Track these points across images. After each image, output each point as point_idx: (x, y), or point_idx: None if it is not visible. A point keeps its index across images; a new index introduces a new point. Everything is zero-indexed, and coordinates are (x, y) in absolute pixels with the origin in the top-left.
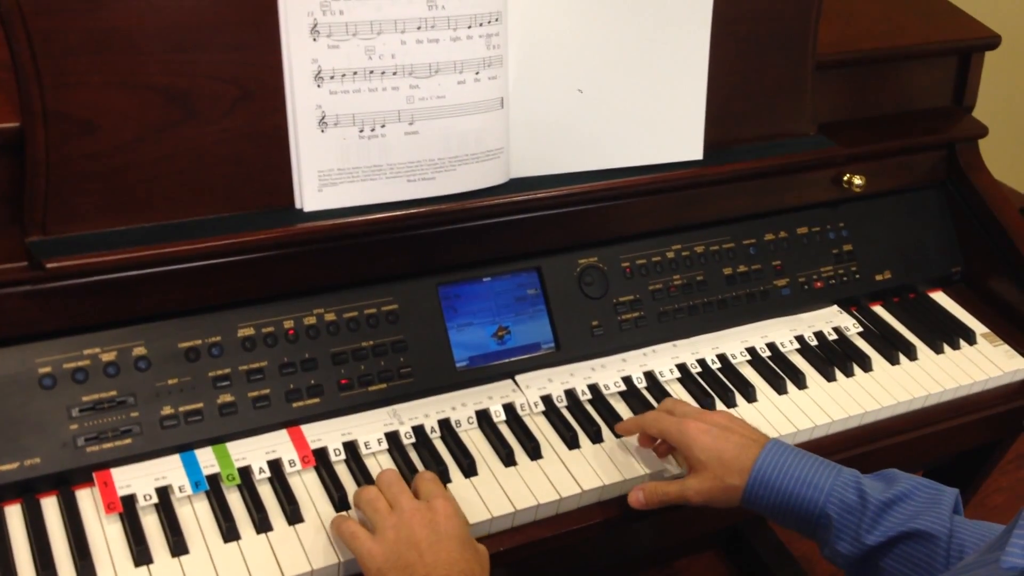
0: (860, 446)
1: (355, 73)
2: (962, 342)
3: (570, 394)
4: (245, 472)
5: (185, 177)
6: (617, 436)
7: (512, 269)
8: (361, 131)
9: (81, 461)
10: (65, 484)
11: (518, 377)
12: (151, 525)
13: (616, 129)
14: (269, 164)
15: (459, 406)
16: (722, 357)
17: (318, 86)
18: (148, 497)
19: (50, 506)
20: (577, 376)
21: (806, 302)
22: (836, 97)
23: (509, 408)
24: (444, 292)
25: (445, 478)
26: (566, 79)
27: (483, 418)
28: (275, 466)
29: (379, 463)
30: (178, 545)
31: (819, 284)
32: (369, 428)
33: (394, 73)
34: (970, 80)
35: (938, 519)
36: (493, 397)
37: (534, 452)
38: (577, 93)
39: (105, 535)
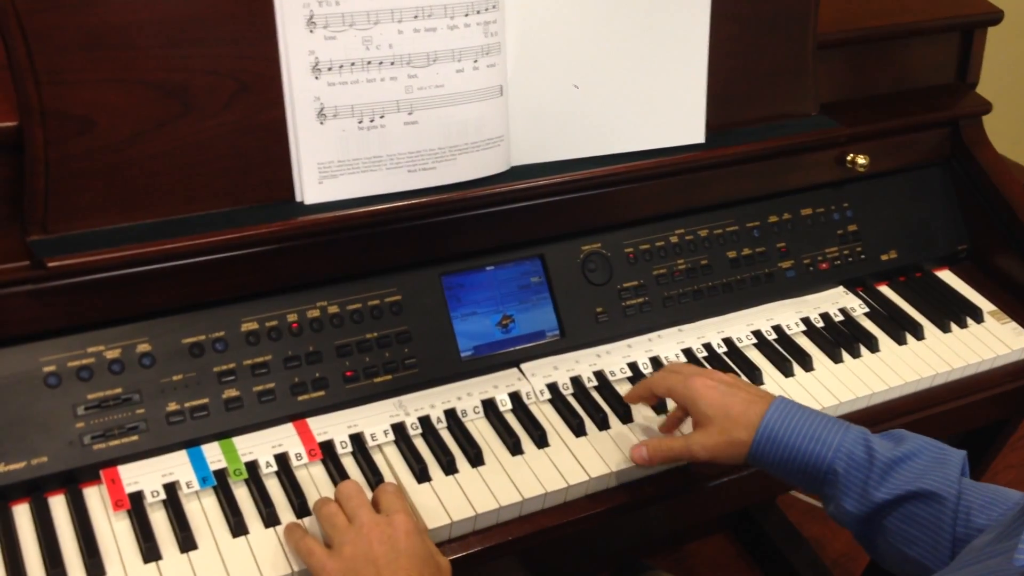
0: (868, 427)
1: (353, 64)
2: (969, 320)
3: (576, 381)
4: (252, 466)
5: (184, 172)
6: (623, 415)
7: (515, 257)
8: (360, 122)
9: (88, 459)
10: (72, 482)
11: (523, 365)
12: (159, 521)
13: (617, 114)
14: (269, 157)
15: (465, 396)
16: (728, 341)
17: (316, 78)
18: (156, 493)
19: (58, 504)
20: (583, 363)
21: (811, 284)
22: (838, 76)
23: (515, 397)
24: (447, 282)
25: (452, 468)
26: (566, 65)
27: (489, 407)
28: (282, 460)
29: (386, 455)
30: (187, 541)
31: (824, 265)
32: (375, 420)
33: (392, 63)
34: (973, 56)
35: (946, 480)
36: (499, 386)
37: (541, 440)
38: (577, 79)
39: (114, 532)
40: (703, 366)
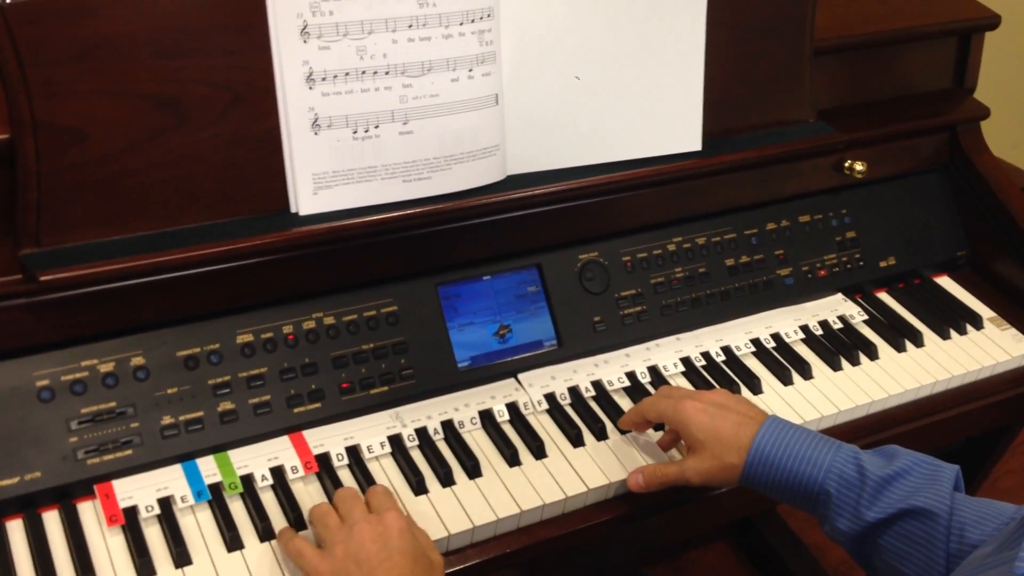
0: (868, 435)
1: (347, 74)
2: (969, 327)
3: (574, 391)
4: (247, 480)
5: (178, 184)
6: (621, 432)
7: (512, 267)
8: (355, 132)
9: (82, 474)
10: (66, 497)
11: (521, 376)
12: (154, 536)
13: (613, 122)
14: (263, 168)
15: (462, 407)
16: (726, 349)
17: (310, 88)
18: (150, 508)
19: (52, 520)
20: (580, 373)
21: (810, 291)
22: (835, 82)
23: (512, 407)
24: (444, 292)
25: (449, 480)
26: (561, 74)
27: (486, 418)
28: (277, 473)
29: (382, 467)
30: (181, 556)
31: (823, 272)
32: (371, 432)
33: (386, 73)
34: (970, 61)
35: (938, 497)
36: (496, 397)
37: (538, 451)
38: (572, 87)
39: (108, 548)
40: (702, 375)
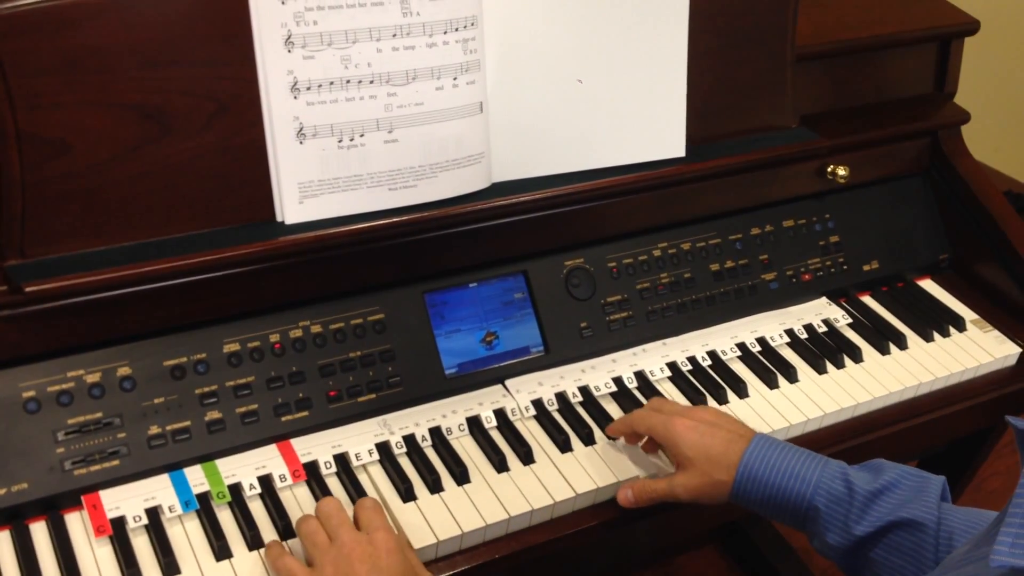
0: (853, 438)
1: (331, 83)
2: (952, 329)
3: (561, 397)
4: (235, 489)
5: (164, 194)
6: (609, 438)
7: (498, 274)
8: (340, 141)
9: (69, 485)
10: (54, 508)
11: (508, 382)
12: (142, 547)
13: (598, 129)
14: (248, 178)
15: (449, 413)
16: (712, 354)
17: (295, 97)
18: (138, 518)
19: (39, 531)
20: (567, 378)
21: (794, 295)
22: (817, 88)
23: (500, 414)
24: (430, 299)
25: (438, 487)
26: (545, 81)
27: (474, 425)
28: (266, 482)
29: (370, 474)
30: (170, 566)
31: (807, 276)
32: (359, 439)
33: (371, 81)
34: (950, 66)
35: (926, 507)
36: (483, 403)
37: (526, 457)
38: (557, 95)
39: (96, 559)
40: (688, 379)
